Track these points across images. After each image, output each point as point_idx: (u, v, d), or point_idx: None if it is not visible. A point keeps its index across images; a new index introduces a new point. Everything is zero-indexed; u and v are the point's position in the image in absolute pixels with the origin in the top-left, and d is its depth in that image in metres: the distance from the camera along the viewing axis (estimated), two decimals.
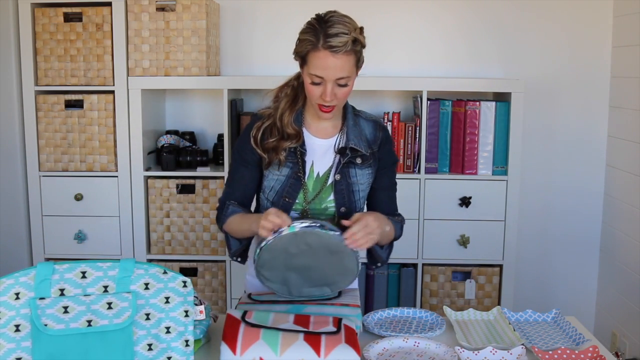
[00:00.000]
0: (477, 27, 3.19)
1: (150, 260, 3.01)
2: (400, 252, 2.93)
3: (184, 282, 1.50)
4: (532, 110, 3.19)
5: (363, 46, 1.74)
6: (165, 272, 1.48)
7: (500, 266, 2.97)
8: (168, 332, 1.47)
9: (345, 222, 1.69)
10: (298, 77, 1.86)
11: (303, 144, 1.83)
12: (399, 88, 3.01)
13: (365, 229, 1.65)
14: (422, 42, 3.20)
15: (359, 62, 1.75)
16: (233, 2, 3.19)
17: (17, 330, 1.37)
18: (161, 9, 2.89)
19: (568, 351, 1.64)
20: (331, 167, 1.85)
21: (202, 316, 1.62)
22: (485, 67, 3.21)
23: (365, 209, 1.93)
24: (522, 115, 2.89)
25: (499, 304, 2.97)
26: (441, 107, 2.92)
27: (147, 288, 1.46)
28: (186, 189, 2.98)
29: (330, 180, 1.84)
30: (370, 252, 1.92)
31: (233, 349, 1.49)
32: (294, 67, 1.85)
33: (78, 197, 2.98)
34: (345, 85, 1.72)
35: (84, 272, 1.42)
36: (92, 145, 2.95)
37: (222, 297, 3.04)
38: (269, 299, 1.80)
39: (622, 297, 3.03)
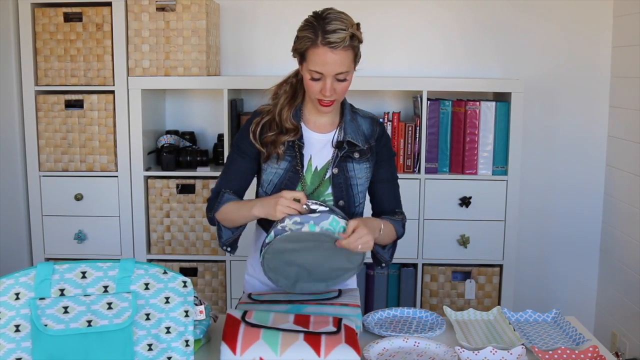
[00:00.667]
0: (477, 27, 3.19)
1: (150, 260, 3.01)
2: (400, 252, 2.90)
3: (184, 282, 1.50)
4: (532, 110, 3.19)
5: (360, 42, 1.77)
6: (165, 272, 1.48)
7: (500, 266, 2.97)
8: (168, 332, 1.47)
9: (342, 235, 1.69)
10: (297, 74, 1.89)
11: (301, 138, 1.86)
12: (399, 88, 3.01)
13: (362, 234, 1.65)
14: (422, 42, 3.20)
15: (356, 57, 1.78)
16: (233, 2, 3.19)
17: (17, 330, 1.36)
18: (161, 9, 2.89)
19: (568, 351, 1.64)
20: (329, 161, 1.87)
21: (202, 316, 1.62)
22: (485, 67, 3.21)
23: (364, 204, 1.94)
24: (522, 115, 2.89)
25: (499, 304, 2.97)
26: (441, 107, 2.92)
27: (147, 288, 1.46)
28: (186, 189, 2.98)
29: (328, 174, 1.86)
30: (373, 253, 1.92)
31: (233, 349, 1.49)
32: (294, 67, 1.88)
33: (78, 197, 2.98)
34: (344, 80, 1.75)
35: (84, 272, 1.42)
36: (92, 145, 2.95)
37: (222, 297, 3.04)
38: (269, 299, 1.81)
39: (622, 297, 3.03)
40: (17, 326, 1.37)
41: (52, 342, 1.36)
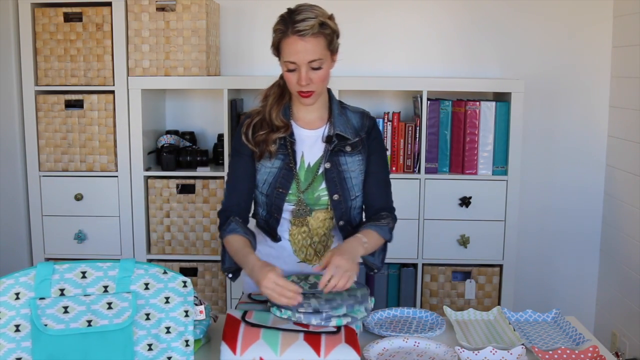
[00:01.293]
0: (477, 27, 3.19)
1: (150, 260, 3.01)
2: (400, 252, 2.93)
3: (184, 282, 1.50)
4: (532, 110, 3.19)
5: (334, 32, 1.80)
6: (165, 272, 1.48)
7: (500, 266, 2.97)
8: (168, 332, 1.47)
9: (316, 269, 1.76)
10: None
11: (292, 135, 1.88)
12: (399, 88, 3.01)
13: (338, 271, 1.63)
14: (422, 42, 3.20)
15: (331, 46, 1.79)
16: (233, 2, 3.19)
17: (17, 330, 1.37)
18: (161, 9, 2.89)
19: (568, 351, 1.64)
20: (321, 157, 1.89)
21: (202, 316, 1.62)
22: (485, 67, 3.21)
23: (361, 197, 1.93)
24: (522, 115, 2.89)
25: (499, 304, 2.97)
26: (441, 107, 2.92)
27: (147, 288, 1.46)
28: (186, 189, 2.98)
29: (320, 170, 1.88)
30: (364, 260, 1.91)
31: (233, 348, 1.49)
32: None
33: (78, 197, 2.98)
34: (319, 69, 1.77)
35: (84, 272, 1.42)
36: (92, 145, 2.95)
37: (222, 297, 3.04)
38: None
39: (622, 297, 3.03)
40: (17, 326, 1.37)
41: (52, 342, 1.36)
